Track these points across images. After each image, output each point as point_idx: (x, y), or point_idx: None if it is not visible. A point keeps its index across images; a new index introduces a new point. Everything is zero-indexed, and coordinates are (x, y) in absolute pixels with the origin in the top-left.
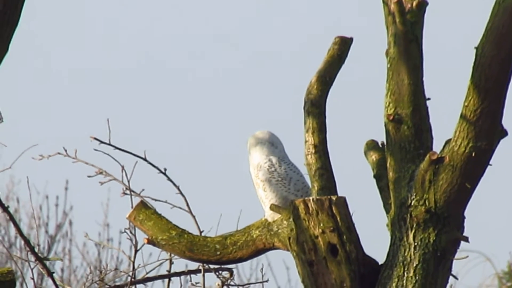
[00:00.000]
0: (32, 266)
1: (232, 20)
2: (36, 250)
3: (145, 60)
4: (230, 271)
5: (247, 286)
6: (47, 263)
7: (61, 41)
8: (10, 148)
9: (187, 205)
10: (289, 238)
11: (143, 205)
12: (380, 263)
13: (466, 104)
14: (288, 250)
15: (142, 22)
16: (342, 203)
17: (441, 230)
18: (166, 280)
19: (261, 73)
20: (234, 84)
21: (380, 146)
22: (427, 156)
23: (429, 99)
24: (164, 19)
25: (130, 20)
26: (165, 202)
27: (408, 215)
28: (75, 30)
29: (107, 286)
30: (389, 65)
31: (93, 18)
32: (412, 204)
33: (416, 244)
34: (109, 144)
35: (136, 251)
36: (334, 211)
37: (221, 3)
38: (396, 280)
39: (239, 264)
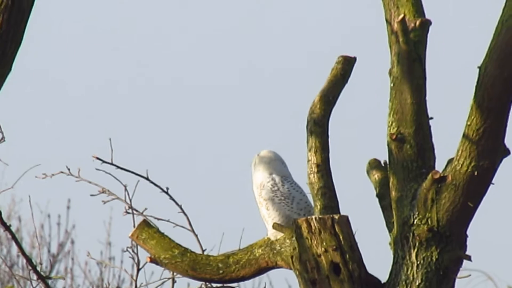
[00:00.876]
0: (34, 285)
1: (234, 36)
2: (38, 269)
3: (148, 79)
4: None
5: None
6: (50, 282)
7: (62, 62)
8: (12, 167)
9: (190, 224)
10: (292, 257)
11: (146, 223)
12: (382, 282)
13: (468, 123)
14: (291, 269)
15: (141, 37)
16: (345, 222)
17: (443, 248)
18: None
19: (264, 92)
20: (237, 103)
21: (383, 165)
22: (430, 175)
23: (432, 118)
24: (156, 33)
25: (127, 34)
26: (168, 221)
27: (411, 234)
28: (75, 48)
29: None
30: (392, 85)
31: (90, 37)
32: (415, 223)
33: (418, 262)
34: (111, 164)
35: (138, 269)
36: (337, 230)
37: (218, 6)
38: None
39: (242, 283)
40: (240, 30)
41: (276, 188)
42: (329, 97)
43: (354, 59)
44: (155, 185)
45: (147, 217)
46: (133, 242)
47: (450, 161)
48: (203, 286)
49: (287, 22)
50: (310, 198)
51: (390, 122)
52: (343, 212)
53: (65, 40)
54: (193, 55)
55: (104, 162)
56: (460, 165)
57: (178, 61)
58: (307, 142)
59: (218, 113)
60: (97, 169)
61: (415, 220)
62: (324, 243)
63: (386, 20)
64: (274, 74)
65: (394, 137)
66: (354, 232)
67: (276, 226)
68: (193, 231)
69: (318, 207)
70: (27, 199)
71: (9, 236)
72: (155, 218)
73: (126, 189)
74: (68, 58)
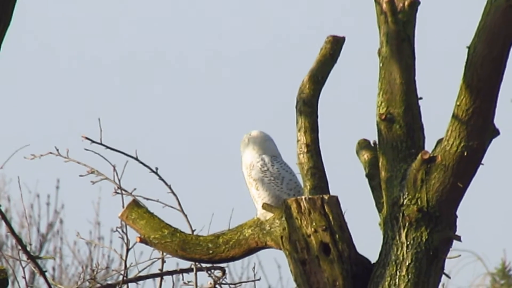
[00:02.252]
0: (23, 265)
1: (222, 15)
2: (28, 249)
3: (134, 58)
4: (222, 270)
5: (239, 285)
6: (39, 261)
7: (54, 38)
8: (1, 147)
9: (179, 204)
10: (282, 237)
11: (135, 204)
12: (372, 262)
13: (458, 103)
14: (280, 249)
15: (136, 18)
16: (335, 202)
17: (433, 229)
18: (158, 279)
19: (253, 72)
20: (225, 82)
21: (372, 145)
22: (419, 155)
23: (421, 98)
24: (152, 16)
25: (125, 14)
26: (157, 201)
27: (401, 214)
28: (66, 27)
29: (98, 284)
30: (381, 64)
31: (82, 12)
32: (404, 203)
33: (408, 243)
34: (101, 144)
35: (128, 249)
36: (327, 210)
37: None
38: (389, 279)
39: (231, 263)
40: (229, 5)
41: (265, 168)
42: (318, 77)
43: (343, 39)
44: (144, 165)
45: (136, 197)
46: (123, 222)
47: (439, 142)
48: (192, 266)
49: (278, 1)
50: (299, 178)
51: (380, 102)
52: (332, 192)
53: (54, 15)
54: (181, 28)
55: (93, 142)
56: (449, 146)
57: (165, 36)
58: (297, 122)
59: (207, 92)
60: (86, 149)
61: (405, 201)
62: (314, 223)
63: (375, 0)
64: (264, 54)
65: (383, 117)
66: (343, 212)
67: (265, 207)
68: (182, 211)
69: (308, 187)
70: (17, 179)
71: None
72: (145, 198)
73: (115, 169)
74: (56, 37)
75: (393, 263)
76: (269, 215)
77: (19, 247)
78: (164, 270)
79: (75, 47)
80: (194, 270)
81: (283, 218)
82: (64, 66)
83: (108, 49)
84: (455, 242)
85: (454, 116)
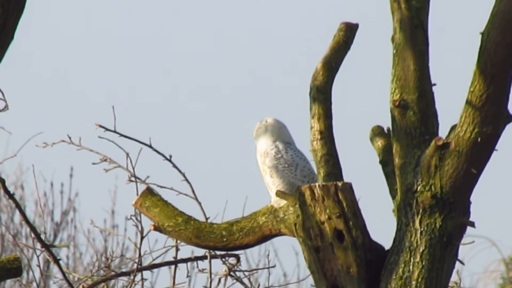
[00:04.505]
0: (38, 254)
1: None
2: (43, 237)
3: (148, 47)
4: (237, 257)
5: (254, 272)
6: (53, 250)
7: (67, 31)
8: (18, 136)
9: (193, 191)
10: (295, 224)
11: (149, 191)
12: (386, 249)
13: (471, 89)
14: (294, 236)
15: (151, 16)
16: (348, 189)
17: (447, 215)
18: (173, 266)
19: (266, 59)
20: (238, 70)
21: (386, 132)
22: (433, 141)
23: (434, 84)
24: (169, 15)
25: (132, 13)
26: (171, 189)
27: (414, 201)
28: (80, 13)
29: (113, 272)
30: (394, 51)
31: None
32: (418, 189)
33: (422, 229)
34: (114, 131)
35: (142, 237)
36: (340, 197)
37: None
38: (403, 265)
39: (246, 250)
40: None
41: (279, 155)
42: (332, 64)
43: (357, 25)
44: (158, 152)
45: (150, 185)
46: (137, 210)
47: (453, 128)
48: (207, 253)
49: None
50: (313, 165)
51: (393, 89)
52: (346, 179)
53: (66, 9)
54: (194, 21)
55: (107, 129)
56: (463, 132)
57: (175, 28)
58: (310, 109)
59: (220, 80)
60: (99, 137)
61: (419, 187)
62: (328, 210)
63: None
64: (278, 41)
65: (397, 103)
66: (357, 199)
67: (279, 194)
68: (196, 199)
69: (322, 174)
70: (32, 168)
71: (14, 205)
72: (158, 186)
73: (128, 157)
74: (68, 27)
75: (407, 249)
76: (283, 202)
77: (34, 236)
78: (179, 258)
79: (88, 32)
80: (209, 257)
81: (297, 205)
82: (77, 54)
83: (121, 33)
84: (469, 228)
85: (468, 102)
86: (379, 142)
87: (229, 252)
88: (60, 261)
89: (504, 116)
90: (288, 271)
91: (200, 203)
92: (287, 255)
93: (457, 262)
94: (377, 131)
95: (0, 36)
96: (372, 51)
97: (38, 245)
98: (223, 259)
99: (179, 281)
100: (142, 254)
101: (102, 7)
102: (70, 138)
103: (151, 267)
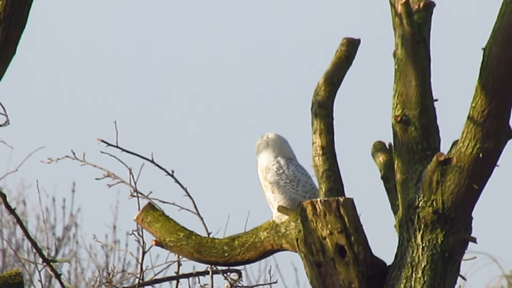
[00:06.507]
0: (39, 269)
1: (236, 11)
2: (45, 252)
3: (151, 62)
4: (238, 272)
5: (255, 287)
6: (55, 265)
7: (69, 43)
8: (20, 150)
9: (195, 206)
10: (297, 240)
11: (151, 207)
12: (388, 264)
13: (473, 105)
14: (296, 251)
15: (147, 26)
16: (350, 204)
17: (448, 231)
18: (174, 282)
19: (269, 73)
20: (241, 84)
21: (388, 147)
22: (435, 157)
23: (436, 100)
24: (165, 21)
25: (136, 23)
26: (173, 204)
27: (416, 216)
28: (84, 25)
29: None
30: (396, 67)
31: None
32: (420, 205)
33: (424, 245)
34: (116, 146)
35: (143, 253)
36: (342, 212)
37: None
38: (404, 281)
39: (247, 266)
40: (247, 3)
41: (281, 171)
42: (334, 79)
43: (358, 41)
44: (160, 168)
45: (152, 200)
46: (139, 225)
47: (455, 143)
48: (208, 269)
49: (294, 7)
50: (315, 180)
51: (395, 104)
52: (348, 194)
53: (68, 18)
54: (195, 27)
55: (109, 144)
56: (465, 147)
57: (179, 40)
58: (312, 124)
59: (222, 94)
60: (102, 152)
61: (420, 203)
62: (329, 226)
63: (390, 2)
64: (279, 56)
65: (398, 119)
66: (359, 214)
67: (281, 209)
68: (198, 214)
69: (323, 189)
70: (35, 183)
71: (15, 220)
72: (160, 201)
73: (131, 172)
74: (70, 40)
75: (409, 265)
76: (285, 218)
77: (35, 250)
78: (180, 273)
79: (92, 47)
80: (210, 273)
81: (299, 221)
82: (80, 69)
83: (124, 50)
84: (470, 244)
85: (470, 117)
86: (381, 158)
87: (230, 267)
88: (62, 276)
89: (505, 132)
90: (290, 286)
91: (202, 218)
92: (288, 271)
93: (459, 278)
94: (379, 147)
95: (2, 51)
96: (374, 67)
97: (40, 260)
98: (225, 275)
99: None
100: (143, 269)
101: (104, 24)
102: (74, 153)
103: (152, 282)
